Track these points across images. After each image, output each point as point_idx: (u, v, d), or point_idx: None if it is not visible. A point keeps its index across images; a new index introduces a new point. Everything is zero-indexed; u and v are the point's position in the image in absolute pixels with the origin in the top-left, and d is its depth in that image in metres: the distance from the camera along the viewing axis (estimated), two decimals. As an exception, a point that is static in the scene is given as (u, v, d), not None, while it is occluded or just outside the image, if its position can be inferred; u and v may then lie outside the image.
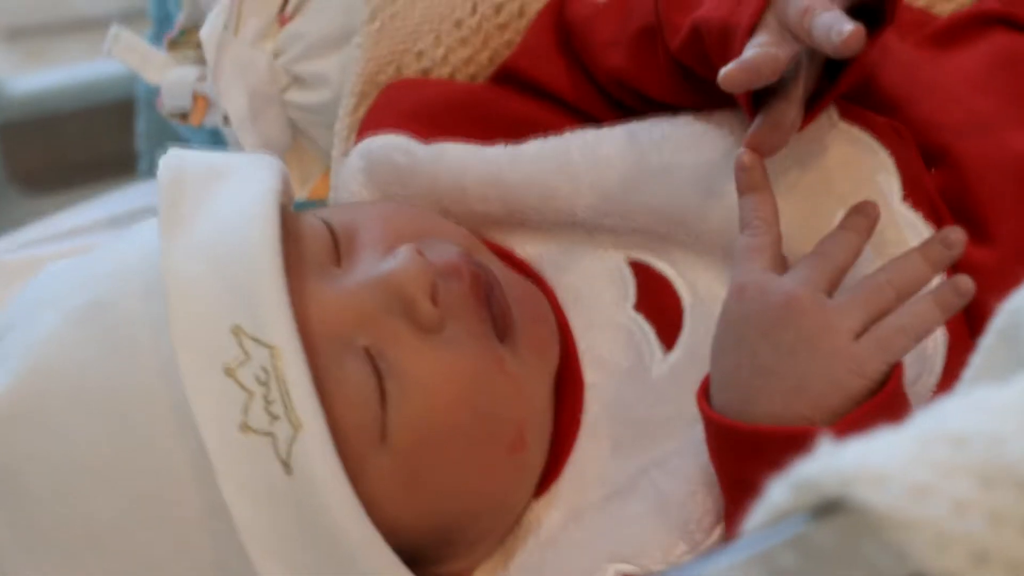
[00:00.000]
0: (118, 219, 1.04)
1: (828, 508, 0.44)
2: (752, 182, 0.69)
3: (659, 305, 0.76)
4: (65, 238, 1.04)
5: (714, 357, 0.68)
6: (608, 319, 0.76)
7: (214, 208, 0.69)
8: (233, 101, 0.86)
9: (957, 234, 0.68)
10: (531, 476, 0.73)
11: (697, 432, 0.70)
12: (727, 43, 0.71)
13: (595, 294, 0.77)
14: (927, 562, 0.42)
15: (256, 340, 0.64)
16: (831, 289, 0.67)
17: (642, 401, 0.74)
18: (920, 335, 0.66)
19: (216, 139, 0.99)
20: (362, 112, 0.86)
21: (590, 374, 0.75)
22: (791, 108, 0.70)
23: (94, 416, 0.66)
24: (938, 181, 0.76)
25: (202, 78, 0.91)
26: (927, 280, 0.67)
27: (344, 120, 0.85)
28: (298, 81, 0.89)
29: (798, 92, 0.70)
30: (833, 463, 0.44)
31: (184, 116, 0.93)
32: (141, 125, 1.20)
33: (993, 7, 0.85)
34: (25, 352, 0.68)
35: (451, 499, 0.70)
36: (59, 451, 0.66)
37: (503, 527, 0.73)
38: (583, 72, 0.84)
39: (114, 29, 0.95)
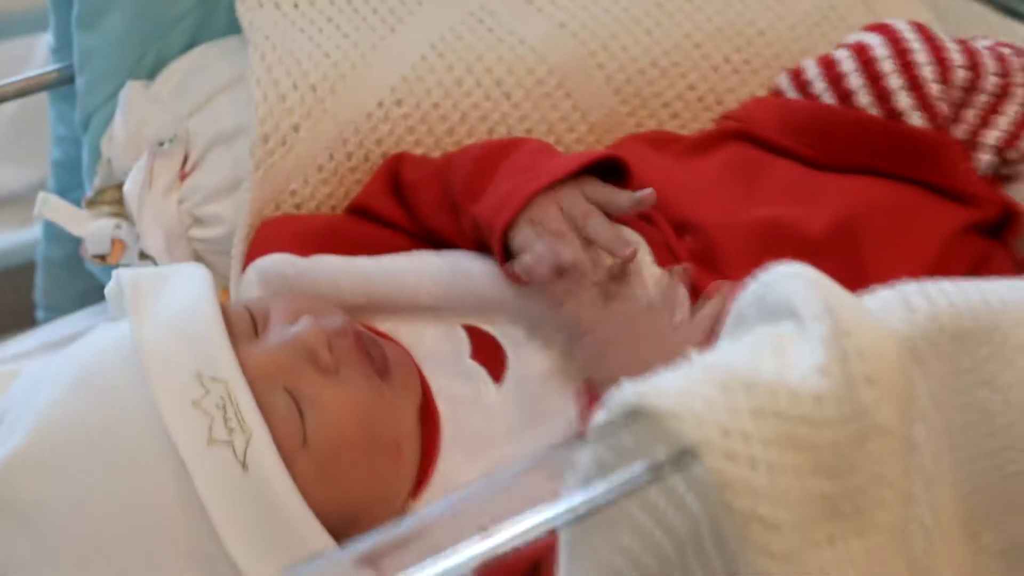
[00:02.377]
0: (50, 345, 1.24)
1: (630, 416, 0.67)
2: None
3: (488, 353, 1.01)
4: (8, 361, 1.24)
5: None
6: (451, 367, 1.00)
7: (168, 298, 0.91)
8: (152, 239, 1.08)
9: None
10: (408, 478, 0.95)
11: (528, 434, 0.94)
12: (491, 238, 0.98)
13: (440, 351, 1.01)
14: (692, 437, 0.65)
15: (213, 378, 0.86)
16: None
17: (483, 421, 0.97)
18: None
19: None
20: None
21: (442, 406, 0.98)
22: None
23: (95, 454, 0.87)
24: (690, 245, 1.03)
25: (118, 226, 1.12)
26: None
27: (239, 247, 1.07)
28: (199, 221, 1.11)
29: None
30: (633, 387, 0.67)
31: (103, 258, 1.14)
32: (39, 282, 1.40)
33: (730, 125, 1.14)
34: (32, 418, 0.88)
35: (353, 492, 0.91)
36: (72, 483, 0.86)
37: (389, 519, 0.95)
38: (411, 217, 1.10)
39: (42, 195, 1.16)
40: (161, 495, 0.86)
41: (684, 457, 0.66)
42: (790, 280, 0.72)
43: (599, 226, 0.98)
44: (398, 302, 1.02)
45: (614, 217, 1.02)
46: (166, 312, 0.90)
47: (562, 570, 0.73)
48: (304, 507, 0.87)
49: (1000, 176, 1.12)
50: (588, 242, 0.98)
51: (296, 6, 1.16)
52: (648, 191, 0.99)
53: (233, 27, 1.18)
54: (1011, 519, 0.81)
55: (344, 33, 1.15)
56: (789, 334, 0.70)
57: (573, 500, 0.67)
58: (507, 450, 0.95)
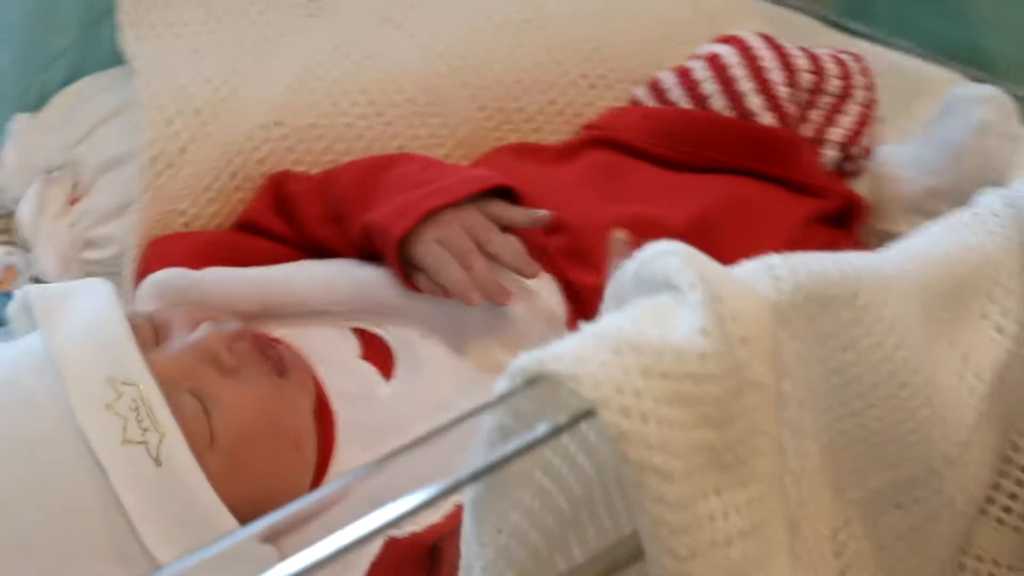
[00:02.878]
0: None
1: (529, 383, 0.73)
2: None
3: (376, 353, 1.06)
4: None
5: None
6: (342, 367, 1.05)
7: (76, 310, 0.95)
8: (47, 262, 1.12)
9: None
10: (309, 470, 1.00)
11: (422, 425, 0.99)
12: (385, 246, 1.03)
13: (331, 353, 1.06)
14: (589, 396, 0.70)
15: (124, 382, 0.90)
16: None
17: (375, 414, 1.02)
18: None
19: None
20: (141, 259, 1.14)
21: (336, 404, 1.03)
22: None
23: (13, 459, 0.89)
24: (560, 243, 1.09)
25: (10, 253, 1.15)
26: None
27: (131, 266, 1.11)
28: (91, 243, 1.15)
29: None
30: (531, 356, 0.72)
31: (-6, 285, 1.17)
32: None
33: (592, 134, 1.21)
34: None
35: (260, 484, 0.95)
36: None
37: None
38: (296, 229, 1.14)
39: None
40: (79, 495, 0.89)
41: (583, 415, 0.71)
42: (666, 256, 0.78)
43: (502, 244, 1.05)
44: (289, 308, 1.07)
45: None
46: (75, 322, 0.94)
47: (469, 533, 0.78)
48: (216, 500, 0.91)
49: (844, 171, 1.21)
50: (491, 258, 1.04)
51: (178, 36, 1.21)
52: (544, 212, 1.06)
53: (113, 60, 1.24)
54: (873, 472, 0.88)
55: (223, 59, 1.21)
56: (667, 304, 0.76)
57: (479, 462, 0.73)
58: (404, 440, 1.00)
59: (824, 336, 0.80)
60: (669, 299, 0.76)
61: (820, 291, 0.79)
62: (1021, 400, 0.97)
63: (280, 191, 1.17)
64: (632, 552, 0.80)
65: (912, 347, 0.83)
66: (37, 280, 1.13)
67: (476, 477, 0.73)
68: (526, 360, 0.72)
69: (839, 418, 0.83)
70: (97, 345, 0.92)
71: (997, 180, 1.21)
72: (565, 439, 0.75)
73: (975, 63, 1.51)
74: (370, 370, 1.05)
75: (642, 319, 0.75)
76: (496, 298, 1.03)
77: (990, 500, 1.06)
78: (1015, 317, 0.91)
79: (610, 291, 0.81)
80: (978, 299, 0.91)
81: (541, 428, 0.72)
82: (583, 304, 1.07)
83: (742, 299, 0.76)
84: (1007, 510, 1.10)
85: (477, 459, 0.74)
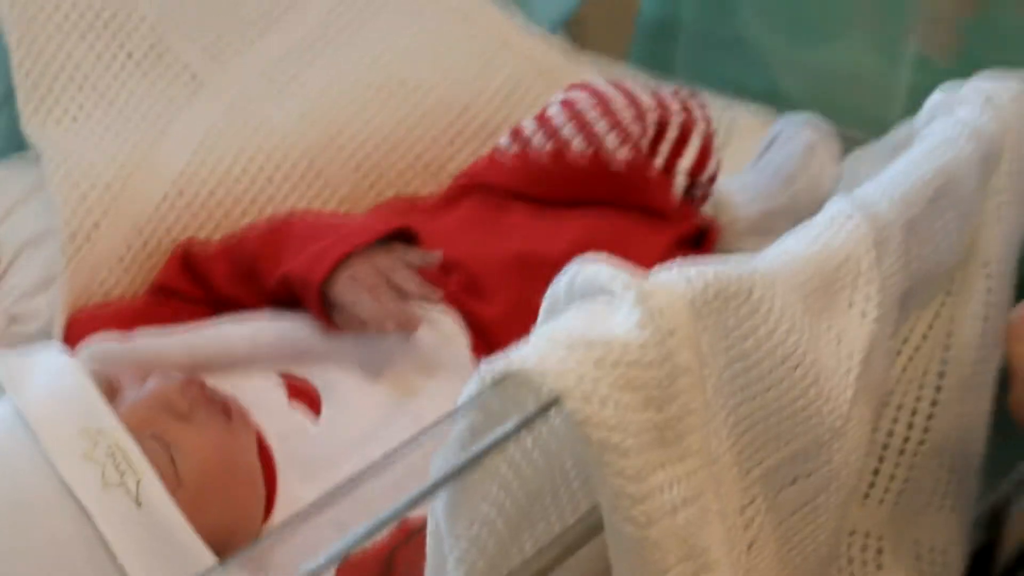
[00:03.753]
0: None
1: (497, 382, 0.82)
2: None
3: (303, 394, 1.15)
4: None
5: None
6: (274, 410, 1.13)
7: (37, 372, 1.01)
8: (-20, 339, 1.18)
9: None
10: (261, 501, 1.07)
11: (356, 453, 1.08)
12: (306, 291, 1.13)
13: (262, 399, 1.14)
14: (554, 386, 0.80)
15: (98, 431, 0.97)
16: None
17: (309, 449, 1.11)
18: None
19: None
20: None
21: (272, 443, 1.11)
22: None
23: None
24: (457, 280, 1.20)
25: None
26: None
27: (59, 337, 1.18)
28: (16, 318, 1.21)
29: None
30: (497, 360, 0.82)
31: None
32: None
33: (464, 182, 1.31)
34: None
35: (223, 517, 1.02)
36: None
37: (251, 539, 1.07)
38: (206, 290, 1.23)
39: None
40: (67, 540, 0.95)
41: (550, 405, 0.81)
42: (596, 267, 0.88)
43: (406, 278, 1.15)
44: (218, 361, 1.14)
45: None
46: (40, 383, 1.00)
47: (442, 528, 0.87)
48: (193, 534, 0.98)
49: (693, 198, 1.34)
50: (398, 291, 1.14)
51: (75, 119, 1.28)
52: (437, 252, 1.18)
53: (6, 152, 1.31)
54: (772, 451, 0.99)
55: (123, 138, 1.28)
56: (602, 306, 0.87)
57: (457, 459, 0.82)
58: (341, 469, 1.08)
59: (728, 328, 0.91)
60: (603, 302, 0.87)
61: (724, 288, 0.90)
62: (883, 376, 1.10)
63: (187, 256, 1.25)
64: (589, 529, 0.90)
65: (800, 333, 0.95)
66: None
67: (459, 472, 0.82)
68: (494, 363, 0.81)
69: (742, 402, 0.94)
70: (66, 400, 0.99)
71: (824, 198, 1.35)
72: (523, 436, 0.85)
73: (775, 104, 1.66)
74: (299, 411, 1.13)
75: (585, 319, 0.85)
76: (407, 325, 1.13)
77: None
78: (876, 302, 1.04)
79: (545, 306, 0.91)
80: (845, 290, 1.03)
81: (511, 422, 0.82)
82: (482, 331, 1.17)
83: (666, 296, 0.86)
84: (871, 485, 1.23)
85: (450, 458, 0.83)
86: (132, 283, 1.25)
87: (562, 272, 0.90)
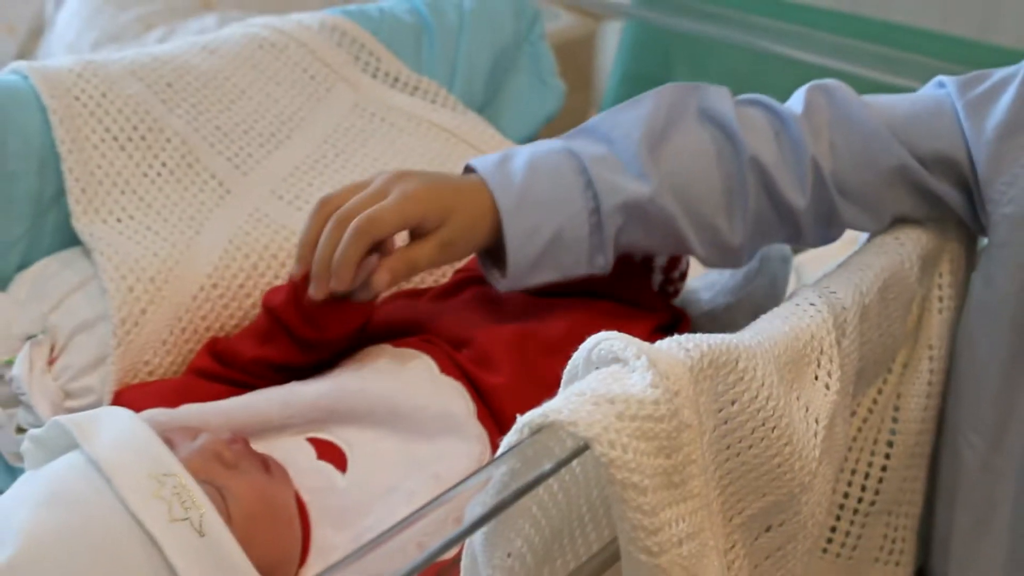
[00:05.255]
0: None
1: (534, 430, 0.96)
2: None
3: (330, 453, 1.26)
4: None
5: None
6: (305, 468, 1.24)
7: (104, 427, 1.12)
8: (41, 409, 1.29)
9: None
10: (299, 543, 1.18)
11: (380, 503, 1.20)
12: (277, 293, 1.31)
13: (294, 458, 1.25)
14: (585, 435, 0.94)
15: (164, 474, 1.08)
16: None
17: (340, 500, 1.21)
18: None
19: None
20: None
21: (305, 495, 1.22)
22: None
23: (79, 549, 1.05)
24: (468, 355, 1.33)
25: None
26: None
27: (110, 411, 1.30)
28: (71, 394, 1.33)
29: None
30: (533, 413, 0.96)
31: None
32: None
33: (464, 275, 1.45)
34: (15, 533, 1.06)
35: (267, 554, 1.13)
36: (63, 569, 1.06)
37: None
38: (237, 370, 1.36)
39: None
40: (138, 568, 1.06)
41: (581, 450, 0.95)
42: (609, 340, 1.03)
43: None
44: (252, 426, 1.26)
45: (398, 343, 1.33)
46: (108, 436, 1.11)
47: (481, 558, 0.99)
48: (248, 562, 1.10)
49: (667, 292, 1.49)
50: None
51: (119, 220, 1.41)
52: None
53: (55, 246, 1.43)
54: (751, 501, 1.12)
55: (163, 237, 1.41)
56: (618, 371, 1.01)
57: (502, 492, 0.95)
58: (368, 518, 1.21)
59: (718, 392, 1.05)
60: (618, 368, 1.01)
61: (716, 358, 1.05)
62: (842, 441, 1.24)
63: (214, 343, 1.38)
64: (601, 564, 1.04)
65: (777, 399, 1.09)
66: (21, 430, 1.30)
67: (504, 506, 0.95)
68: (531, 415, 0.95)
69: (727, 458, 1.07)
70: (135, 450, 1.10)
71: (777, 295, 1.51)
72: (550, 480, 0.99)
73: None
74: (328, 468, 1.25)
75: (606, 382, 1.00)
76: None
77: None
78: (836, 377, 1.18)
79: (566, 373, 1.05)
80: (811, 365, 1.18)
81: (547, 465, 0.96)
82: (487, 398, 1.30)
83: (670, 363, 1.00)
84: (829, 540, 1.37)
85: (493, 495, 0.96)
86: (173, 364, 1.37)
87: (580, 347, 1.04)
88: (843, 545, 1.34)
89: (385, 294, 1.43)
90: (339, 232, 1.24)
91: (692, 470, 1.01)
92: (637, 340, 1.02)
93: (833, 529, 1.33)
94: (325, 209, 1.26)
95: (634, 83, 1.93)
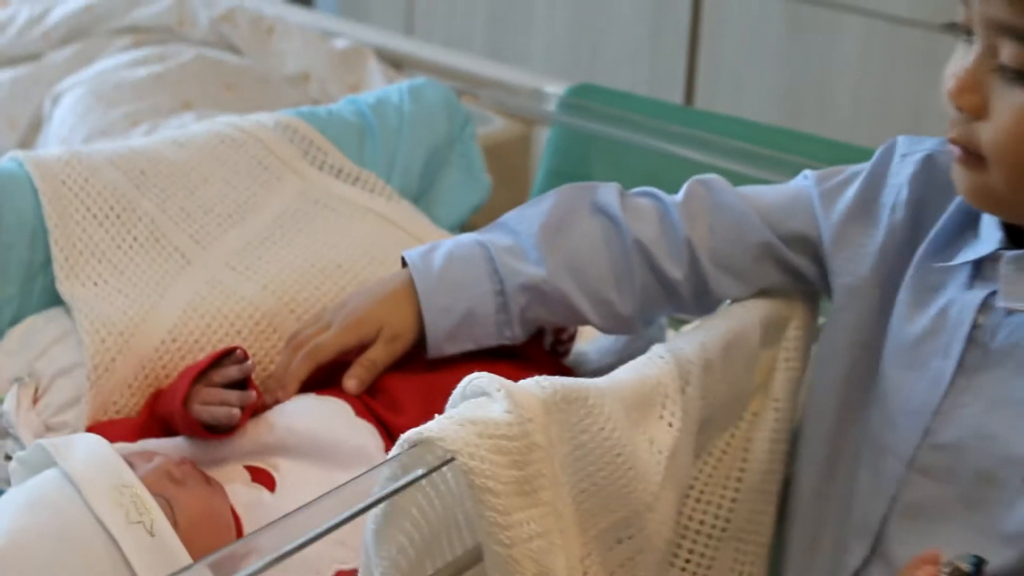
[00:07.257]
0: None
1: (412, 444, 1.19)
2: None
3: (262, 477, 1.47)
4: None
5: None
6: (239, 488, 1.44)
7: (77, 448, 1.34)
8: (26, 440, 1.52)
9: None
10: None
11: None
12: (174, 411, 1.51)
13: (230, 479, 1.45)
14: (452, 448, 1.17)
15: (124, 486, 1.29)
16: None
17: (267, 514, 1.39)
18: None
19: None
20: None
21: (240, 510, 1.42)
22: None
23: (54, 543, 1.25)
24: (381, 401, 1.54)
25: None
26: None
27: (83, 443, 1.53)
28: (51, 428, 1.56)
29: None
30: (412, 431, 1.19)
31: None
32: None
33: None
34: (1, 534, 1.30)
35: (206, 551, 1.25)
36: (39, 564, 1.29)
37: None
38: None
39: None
40: (98, 560, 1.26)
41: (447, 461, 1.18)
42: (480, 378, 1.25)
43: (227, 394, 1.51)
44: (199, 457, 1.49)
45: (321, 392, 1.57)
46: (80, 455, 1.32)
47: (370, 551, 1.18)
48: (190, 559, 1.28)
49: (558, 352, 1.72)
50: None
51: (95, 284, 1.63)
52: (250, 363, 1.52)
53: (42, 305, 1.66)
54: (602, 516, 1.29)
55: (132, 299, 1.63)
56: (483, 401, 1.21)
57: (382, 492, 1.14)
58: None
59: (570, 424, 1.23)
60: (484, 399, 1.24)
61: (568, 394, 1.23)
62: (685, 472, 1.46)
63: (155, 406, 1.61)
64: (473, 558, 1.24)
65: (622, 431, 1.27)
66: (8, 457, 1.54)
67: (382, 500, 1.15)
68: (410, 433, 1.15)
69: (581, 479, 1.25)
70: (100, 467, 1.31)
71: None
72: (427, 487, 1.21)
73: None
74: (260, 488, 1.46)
75: (471, 409, 1.22)
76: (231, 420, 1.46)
77: (675, 555, 1.54)
78: (679, 417, 1.38)
79: (447, 408, 1.24)
80: (656, 406, 1.36)
81: (420, 470, 1.18)
82: (395, 436, 1.46)
83: (525, 396, 1.20)
84: (688, 560, 1.57)
85: (376, 495, 1.17)
86: (137, 405, 1.59)
87: (458, 385, 1.27)
88: (698, 565, 1.51)
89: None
90: (291, 356, 1.55)
91: (542, 482, 1.21)
92: (500, 378, 1.24)
93: (690, 551, 1.50)
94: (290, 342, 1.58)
95: (558, 179, 2.09)
